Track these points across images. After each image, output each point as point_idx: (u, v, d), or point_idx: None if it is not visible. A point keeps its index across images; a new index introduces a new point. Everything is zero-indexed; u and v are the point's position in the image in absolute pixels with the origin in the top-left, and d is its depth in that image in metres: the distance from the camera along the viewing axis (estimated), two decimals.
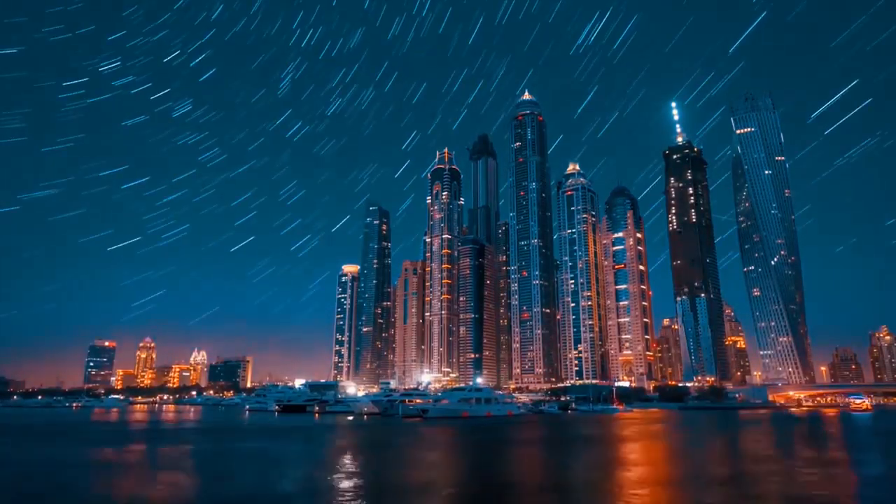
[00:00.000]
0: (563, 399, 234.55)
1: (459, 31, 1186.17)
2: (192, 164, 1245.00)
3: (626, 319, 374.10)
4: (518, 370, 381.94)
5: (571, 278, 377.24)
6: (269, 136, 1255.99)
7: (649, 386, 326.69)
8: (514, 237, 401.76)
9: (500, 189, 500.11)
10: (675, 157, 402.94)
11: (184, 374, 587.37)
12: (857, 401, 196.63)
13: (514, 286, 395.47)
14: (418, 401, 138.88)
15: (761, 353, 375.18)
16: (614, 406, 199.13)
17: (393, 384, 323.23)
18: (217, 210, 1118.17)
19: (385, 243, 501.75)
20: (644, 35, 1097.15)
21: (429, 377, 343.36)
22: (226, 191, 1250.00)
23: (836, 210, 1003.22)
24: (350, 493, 29.24)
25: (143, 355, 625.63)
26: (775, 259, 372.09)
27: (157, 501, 28.28)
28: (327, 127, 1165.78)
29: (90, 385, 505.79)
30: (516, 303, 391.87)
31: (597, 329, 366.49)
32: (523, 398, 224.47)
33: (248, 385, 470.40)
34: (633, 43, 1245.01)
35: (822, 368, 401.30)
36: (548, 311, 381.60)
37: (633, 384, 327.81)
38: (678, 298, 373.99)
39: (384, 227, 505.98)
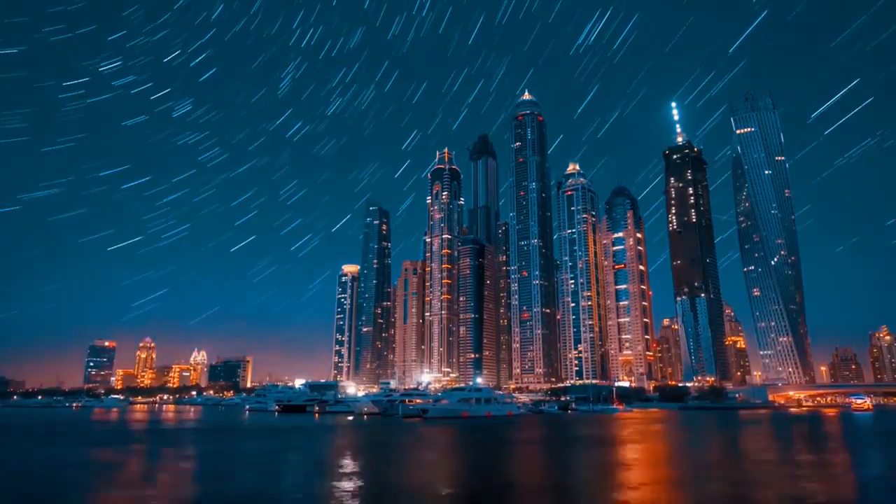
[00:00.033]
0: (563, 399, 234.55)
1: (459, 30, 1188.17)
2: (193, 164, 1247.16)
3: (626, 319, 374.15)
4: (518, 370, 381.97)
5: (571, 278, 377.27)
6: (269, 136, 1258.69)
7: (649, 386, 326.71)
8: (514, 237, 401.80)
9: (500, 189, 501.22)
10: (675, 157, 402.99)
11: (184, 374, 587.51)
12: (859, 401, 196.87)
13: (514, 286, 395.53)
14: (418, 401, 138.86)
15: (761, 353, 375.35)
16: (614, 406, 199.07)
17: (393, 384, 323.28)
18: (217, 210, 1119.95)
19: (385, 243, 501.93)
20: (644, 35, 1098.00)
21: (429, 377, 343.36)
22: (226, 191, 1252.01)
23: (836, 210, 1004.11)
24: (350, 494, 29.23)
25: (143, 355, 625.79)
26: (775, 259, 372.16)
27: (156, 501, 28.28)
28: (327, 127, 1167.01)
29: (90, 385, 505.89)
30: (516, 303, 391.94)
31: (597, 329, 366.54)
32: (523, 398, 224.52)
33: (248, 385, 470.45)
34: (634, 43, 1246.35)
35: (822, 368, 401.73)
36: (548, 311, 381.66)
37: (633, 384, 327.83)
38: (678, 298, 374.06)
39: (384, 227, 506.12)
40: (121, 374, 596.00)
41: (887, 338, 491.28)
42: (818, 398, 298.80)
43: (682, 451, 57.78)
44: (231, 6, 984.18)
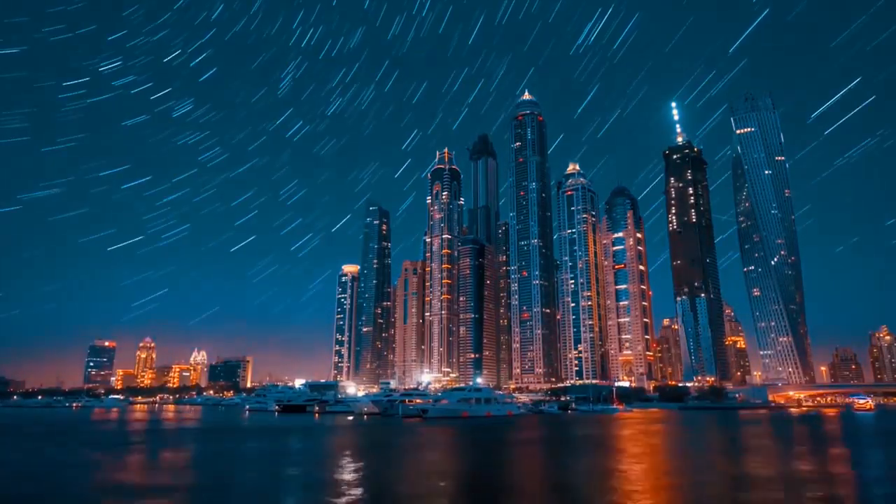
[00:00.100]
0: (563, 399, 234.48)
1: (459, 30, 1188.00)
2: (193, 164, 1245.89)
3: (626, 319, 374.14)
4: (518, 370, 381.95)
5: (571, 278, 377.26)
6: (269, 136, 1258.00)
7: (649, 386, 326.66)
8: (514, 237, 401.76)
9: (500, 189, 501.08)
10: (675, 157, 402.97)
11: (184, 374, 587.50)
12: (861, 401, 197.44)
13: (514, 286, 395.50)
14: (418, 401, 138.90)
15: (761, 353, 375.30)
16: (614, 406, 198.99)
17: (393, 384, 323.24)
18: (217, 210, 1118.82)
19: (385, 243, 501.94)
20: (644, 35, 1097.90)
21: (429, 377, 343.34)
22: (226, 190, 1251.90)
23: (836, 210, 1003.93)
24: (349, 493, 29.22)
25: (143, 355, 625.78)
26: (775, 259, 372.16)
27: (155, 501, 28.29)
28: (327, 127, 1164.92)
29: (90, 385, 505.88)
30: (516, 303, 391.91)
31: (597, 329, 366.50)
32: (523, 398, 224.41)
33: (248, 385, 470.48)
34: (634, 43, 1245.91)
35: (822, 368, 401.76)
36: (548, 311, 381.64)
37: (633, 384, 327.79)
38: (678, 298, 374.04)
39: (384, 227, 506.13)
40: (121, 374, 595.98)
41: (887, 338, 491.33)
42: (818, 398, 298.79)
43: (682, 451, 57.77)
44: (231, 6, 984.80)
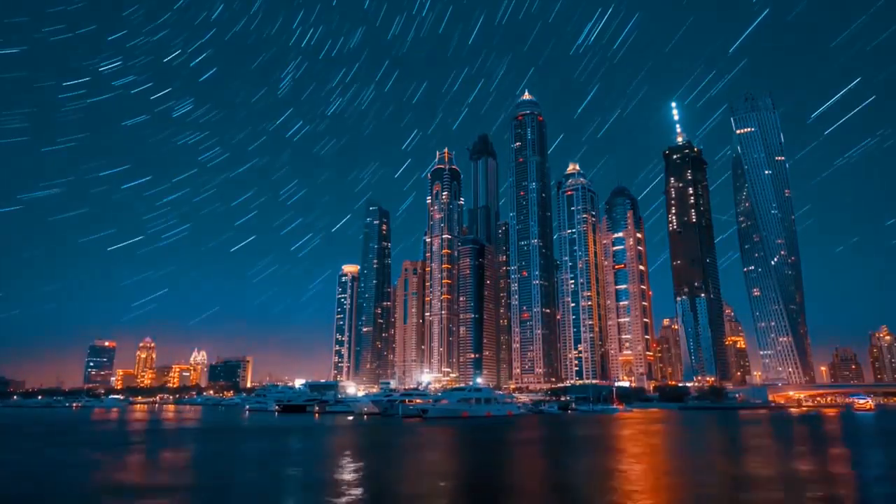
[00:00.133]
0: (563, 399, 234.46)
1: (460, 30, 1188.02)
2: (193, 164, 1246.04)
3: (626, 319, 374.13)
4: (518, 370, 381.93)
5: (571, 278, 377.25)
6: (269, 136, 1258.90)
7: (649, 386, 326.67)
8: (514, 237, 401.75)
9: (500, 189, 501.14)
10: (675, 157, 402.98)
11: (184, 374, 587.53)
12: (861, 401, 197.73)
13: (514, 286, 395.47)
14: (418, 401, 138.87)
15: (761, 353, 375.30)
16: (614, 406, 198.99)
17: (393, 384, 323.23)
18: (217, 210, 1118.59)
19: (385, 243, 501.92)
20: (644, 35, 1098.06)
21: (429, 377, 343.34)
22: (226, 190, 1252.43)
23: (836, 210, 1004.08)
24: (349, 494, 29.21)
25: (143, 355, 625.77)
26: (775, 259, 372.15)
27: (155, 501, 28.28)
28: (328, 126, 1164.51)
29: (90, 385, 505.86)
30: (516, 303, 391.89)
31: (597, 329, 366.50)
32: (523, 398, 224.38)
33: (248, 385, 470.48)
34: (634, 42, 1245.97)
35: (822, 368, 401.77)
36: (548, 311, 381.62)
37: (633, 384, 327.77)
38: (678, 298, 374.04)
39: (384, 227, 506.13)
40: (121, 374, 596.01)
41: (887, 338, 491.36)
42: (818, 398, 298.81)
43: (682, 451, 57.76)
44: (231, 6, 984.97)
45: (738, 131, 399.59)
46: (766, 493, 30.38)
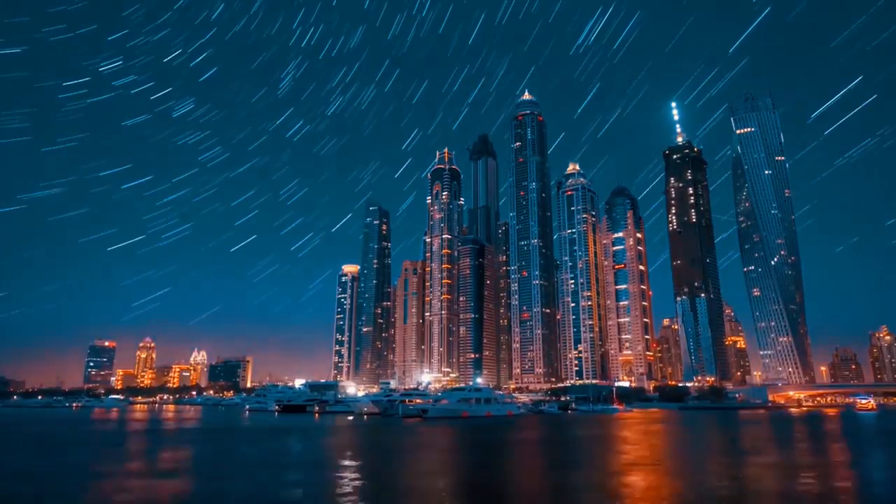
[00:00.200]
0: (563, 399, 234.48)
1: (460, 30, 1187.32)
2: (193, 164, 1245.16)
3: (626, 319, 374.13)
4: (518, 370, 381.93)
5: (571, 278, 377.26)
6: (269, 136, 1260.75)
7: (649, 386, 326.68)
8: (514, 237, 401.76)
9: (500, 189, 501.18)
10: (675, 157, 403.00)
11: (184, 374, 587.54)
12: (863, 401, 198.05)
13: (514, 286, 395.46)
14: (418, 401, 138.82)
15: (761, 353, 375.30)
16: (614, 406, 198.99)
17: (393, 384, 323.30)
18: (218, 210, 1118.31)
19: (385, 243, 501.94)
20: (644, 34, 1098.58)
21: (429, 377, 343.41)
22: (226, 190, 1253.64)
23: (836, 210, 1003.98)
24: (349, 493, 29.21)
25: (143, 355, 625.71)
26: (775, 259, 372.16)
27: (154, 501, 28.27)
28: (328, 126, 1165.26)
29: (90, 385, 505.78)
30: (516, 303, 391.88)
31: (597, 329, 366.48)
32: (523, 398, 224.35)
33: (248, 385, 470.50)
34: (634, 42, 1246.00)
35: (822, 368, 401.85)
36: (548, 311, 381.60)
37: (633, 384, 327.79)
38: (678, 298, 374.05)
39: (384, 227, 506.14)
40: (121, 374, 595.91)
41: (887, 338, 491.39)
42: (818, 398, 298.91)
43: (682, 451, 57.75)
44: (231, 6, 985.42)
45: (738, 131, 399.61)
46: (766, 492, 30.37)
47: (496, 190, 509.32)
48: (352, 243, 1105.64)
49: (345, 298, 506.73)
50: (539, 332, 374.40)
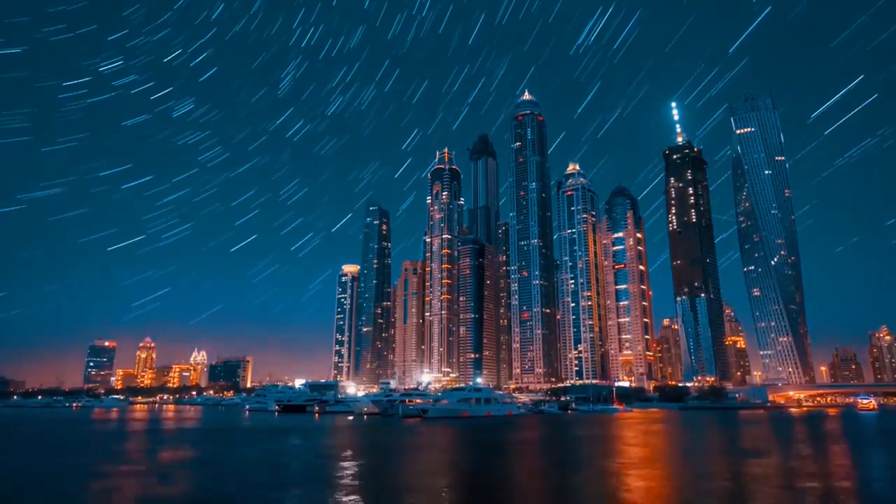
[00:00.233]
0: (563, 399, 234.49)
1: (460, 30, 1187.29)
2: (193, 164, 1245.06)
3: (626, 319, 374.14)
4: (518, 370, 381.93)
5: (571, 278, 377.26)
6: (269, 136, 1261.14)
7: (649, 386, 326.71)
8: (514, 237, 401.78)
9: (500, 189, 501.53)
10: (675, 157, 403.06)
11: (184, 374, 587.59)
12: (864, 401, 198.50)
13: (514, 286, 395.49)
14: (418, 401, 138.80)
15: (761, 353, 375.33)
16: (614, 406, 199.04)
17: (393, 384, 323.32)
18: (218, 210, 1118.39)
19: (385, 243, 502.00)
20: (644, 34, 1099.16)
21: (429, 377, 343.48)
22: (226, 190, 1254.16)
23: (836, 210, 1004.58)
24: (349, 493, 29.21)
25: (143, 355, 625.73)
26: (775, 259, 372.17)
27: (154, 501, 28.28)
28: (328, 126, 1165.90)
29: (90, 385, 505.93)
30: (516, 303, 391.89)
31: (597, 329, 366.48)
32: (523, 398, 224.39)
33: (248, 385, 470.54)
34: (634, 42, 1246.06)
35: (822, 368, 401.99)
36: (548, 311, 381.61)
37: (633, 384, 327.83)
38: (678, 298, 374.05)
39: (384, 227, 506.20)
40: (121, 374, 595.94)
41: (887, 338, 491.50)
42: (818, 398, 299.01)
43: (682, 451, 57.76)
44: (231, 6, 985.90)
45: (738, 131, 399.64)
46: (766, 493, 30.36)
47: (496, 190, 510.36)
48: (352, 243, 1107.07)
49: (345, 298, 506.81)
50: (539, 332, 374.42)
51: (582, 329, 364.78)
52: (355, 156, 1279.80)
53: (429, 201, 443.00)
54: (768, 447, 59.42)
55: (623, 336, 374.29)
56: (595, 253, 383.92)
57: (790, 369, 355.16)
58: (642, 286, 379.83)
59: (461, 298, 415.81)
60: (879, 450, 57.88)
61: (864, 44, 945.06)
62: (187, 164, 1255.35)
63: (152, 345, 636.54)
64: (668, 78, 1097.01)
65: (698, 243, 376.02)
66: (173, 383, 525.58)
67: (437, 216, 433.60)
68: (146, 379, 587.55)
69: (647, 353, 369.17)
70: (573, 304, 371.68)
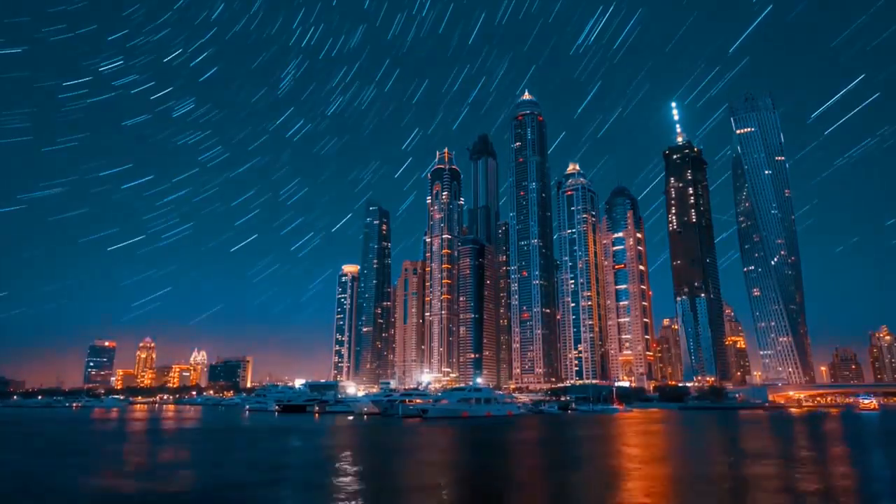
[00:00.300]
0: (563, 399, 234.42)
1: (460, 30, 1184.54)
2: (193, 164, 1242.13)
3: (626, 319, 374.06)
4: (518, 370, 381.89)
5: (571, 278, 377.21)
6: (269, 136, 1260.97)
7: (649, 386, 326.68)
8: (514, 237, 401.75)
9: (500, 189, 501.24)
10: (675, 157, 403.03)
11: (184, 374, 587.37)
12: (866, 401, 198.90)
13: (514, 286, 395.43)
14: (418, 401, 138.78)
15: (761, 353, 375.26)
16: (614, 406, 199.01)
17: (393, 384, 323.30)
18: (218, 210, 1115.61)
19: (385, 243, 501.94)
20: (645, 34, 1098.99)
21: (429, 377, 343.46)
22: (227, 190, 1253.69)
23: (836, 210, 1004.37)
24: (349, 493, 29.21)
25: (143, 355, 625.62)
26: (775, 259, 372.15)
27: (154, 501, 28.27)
28: (328, 126, 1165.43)
29: (90, 385, 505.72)
30: (516, 303, 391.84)
31: (597, 329, 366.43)
32: (523, 398, 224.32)
33: (248, 385, 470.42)
34: (634, 42, 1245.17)
35: (822, 368, 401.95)
36: (548, 311, 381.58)
37: (633, 384, 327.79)
38: (678, 298, 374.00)
39: (384, 227, 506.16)
40: (121, 374, 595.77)
41: (887, 338, 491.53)
42: (818, 398, 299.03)
43: (682, 451, 57.74)
44: (231, 6, 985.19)
45: (738, 131, 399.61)
46: (766, 493, 30.36)
47: (496, 190, 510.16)
48: (352, 243, 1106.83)
49: (345, 298, 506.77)
50: (539, 332, 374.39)
51: (582, 329, 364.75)
52: (355, 156, 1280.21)
53: (429, 201, 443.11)
54: (768, 447, 59.39)
55: (623, 336, 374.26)
56: (595, 253, 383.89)
57: (790, 369, 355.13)
58: (642, 286, 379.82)
59: (461, 298, 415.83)
60: (889, 451, 57.84)
61: (865, 43, 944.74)
62: (187, 164, 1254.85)
63: (152, 345, 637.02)
64: (668, 78, 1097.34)
65: (698, 243, 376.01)
66: (173, 383, 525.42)
67: (437, 216, 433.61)
68: (146, 379, 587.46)
69: (647, 353, 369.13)
70: (573, 304, 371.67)
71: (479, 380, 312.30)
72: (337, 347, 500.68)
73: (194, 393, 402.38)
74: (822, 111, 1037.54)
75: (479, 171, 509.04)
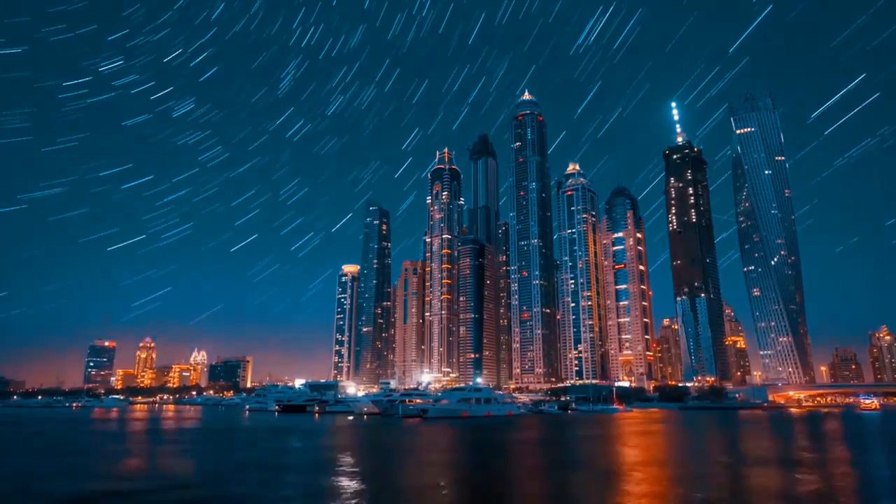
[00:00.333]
0: (563, 399, 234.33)
1: (460, 30, 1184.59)
2: (193, 164, 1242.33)
3: (626, 319, 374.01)
4: (518, 370, 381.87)
5: (571, 278, 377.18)
6: (269, 136, 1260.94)
7: (649, 386, 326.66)
8: (514, 237, 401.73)
9: (500, 189, 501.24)
10: (675, 157, 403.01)
11: (184, 374, 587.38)
12: (867, 401, 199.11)
13: (514, 286, 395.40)
14: (418, 401, 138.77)
15: (761, 353, 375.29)
16: (614, 406, 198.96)
17: (393, 384, 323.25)
18: (218, 210, 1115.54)
19: (385, 243, 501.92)
20: (645, 34, 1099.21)
21: (429, 377, 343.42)
22: (227, 190, 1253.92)
23: (836, 210, 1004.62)
24: (349, 493, 29.18)
25: (143, 355, 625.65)
26: (775, 259, 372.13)
27: (153, 501, 28.25)
28: (328, 126, 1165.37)
29: (90, 385, 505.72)
30: (516, 303, 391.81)
31: (597, 329, 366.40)
32: (523, 398, 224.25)
33: (248, 385, 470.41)
34: (634, 42, 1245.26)
35: (822, 368, 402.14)
36: (548, 311, 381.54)
37: (633, 384, 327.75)
38: (678, 298, 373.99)
39: (384, 227, 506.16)
40: (121, 374, 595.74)
41: (887, 338, 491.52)
42: (818, 398, 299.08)
43: (681, 451, 57.71)
44: (232, 5, 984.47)
45: (738, 131, 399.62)
46: (766, 492, 30.33)
47: (496, 190, 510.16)
48: (352, 243, 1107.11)
49: (345, 298, 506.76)
50: (539, 332, 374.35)
51: (582, 329, 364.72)
52: (355, 156, 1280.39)
53: (429, 201, 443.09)
54: (769, 447, 59.36)
55: (623, 336, 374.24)
56: (595, 253, 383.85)
57: (790, 369, 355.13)
58: (642, 286, 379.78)
59: (461, 298, 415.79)
60: (891, 451, 57.81)
61: (865, 43, 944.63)
62: (187, 164, 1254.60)
63: (152, 345, 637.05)
64: (668, 78, 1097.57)
65: (698, 243, 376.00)
66: (173, 383, 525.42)
67: (437, 216, 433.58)
68: (146, 379, 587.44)
69: (647, 353, 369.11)
70: (573, 304, 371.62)
71: (479, 380, 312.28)
72: (337, 347, 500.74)
73: (194, 393, 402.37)
74: (822, 111, 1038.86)
75: (479, 171, 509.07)
